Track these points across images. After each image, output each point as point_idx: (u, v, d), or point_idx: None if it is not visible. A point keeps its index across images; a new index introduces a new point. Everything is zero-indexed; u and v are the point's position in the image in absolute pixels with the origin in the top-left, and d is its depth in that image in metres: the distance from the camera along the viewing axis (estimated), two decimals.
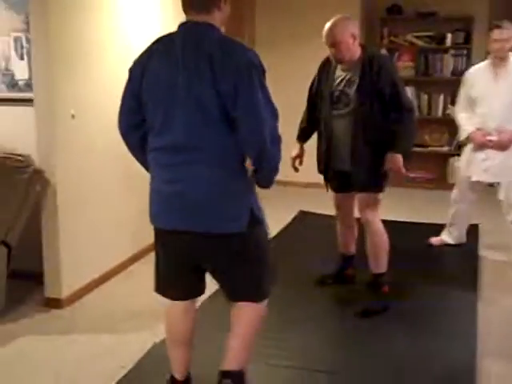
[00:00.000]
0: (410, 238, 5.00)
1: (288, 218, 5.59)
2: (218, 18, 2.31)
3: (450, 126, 6.75)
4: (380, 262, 3.64)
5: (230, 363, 2.51)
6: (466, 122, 4.47)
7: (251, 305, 2.51)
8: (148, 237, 4.63)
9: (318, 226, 5.31)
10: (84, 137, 3.90)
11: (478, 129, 4.37)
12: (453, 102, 6.67)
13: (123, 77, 2.42)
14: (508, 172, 4.36)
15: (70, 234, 3.81)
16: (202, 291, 2.63)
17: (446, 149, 6.90)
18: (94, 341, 3.37)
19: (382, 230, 3.60)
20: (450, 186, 6.67)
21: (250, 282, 2.49)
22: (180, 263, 2.48)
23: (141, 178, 4.47)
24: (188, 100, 2.21)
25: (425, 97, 6.91)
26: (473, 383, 2.86)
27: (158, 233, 2.48)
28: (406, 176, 3.40)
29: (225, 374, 2.50)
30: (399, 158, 3.38)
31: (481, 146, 4.39)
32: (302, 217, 5.72)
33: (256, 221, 2.38)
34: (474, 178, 4.49)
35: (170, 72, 2.24)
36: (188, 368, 2.66)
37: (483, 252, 4.77)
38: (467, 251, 4.74)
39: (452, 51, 6.80)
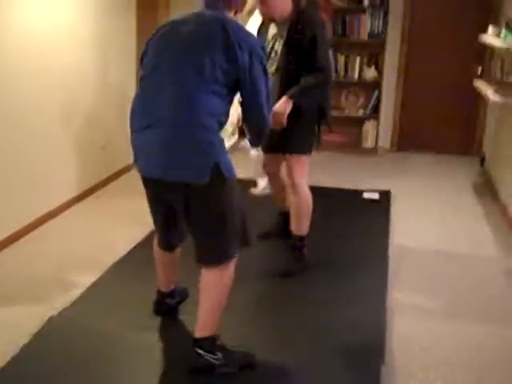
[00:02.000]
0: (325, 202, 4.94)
1: None
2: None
3: (366, 88, 6.77)
4: (301, 225, 3.62)
5: (201, 330, 2.60)
6: None
7: (211, 270, 2.55)
8: (53, 199, 4.65)
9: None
10: None
11: None
12: (369, 64, 6.72)
13: None
14: None
15: None
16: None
17: (361, 112, 6.86)
18: None
19: (306, 193, 3.56)
20: (365, 151, 6.80)
21: (209, 240, 2.52)
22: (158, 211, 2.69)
23: (41, 135, 4.29)
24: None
25: (341, 58, 6.81)
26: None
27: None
28: (281, 123, 3.30)
29: (195, 342, 2.61)
30: (287, 101, 3.29)
31: None
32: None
33: (221, 177, 2.40)
34: None
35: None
36: (172, 283, 3.00)
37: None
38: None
39: (369, 11, 6.69)
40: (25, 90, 3.99)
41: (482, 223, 4.69)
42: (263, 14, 3.41)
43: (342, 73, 6.82)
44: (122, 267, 3.60)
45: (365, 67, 6.76)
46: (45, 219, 4.32)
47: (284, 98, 3.29)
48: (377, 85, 6.75)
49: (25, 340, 2.80)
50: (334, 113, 6.72)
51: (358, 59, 6.77)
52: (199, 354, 2.60)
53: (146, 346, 2.81)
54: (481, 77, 5.93)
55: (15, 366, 2.62)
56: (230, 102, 2.53)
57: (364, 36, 6.70)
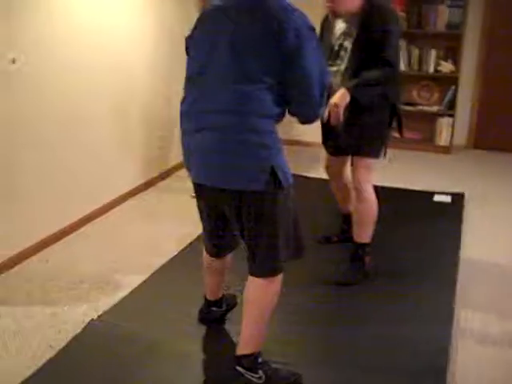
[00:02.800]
0: (393, 204, 4.64)
1: None
2: None
3: (441, 83, 6.38)
4: (364, 232, 3.37)
5: (242, 347, 2.43)
6: None
7: (260, 281, 2.38)
8: (102, 197, 4.57)
9: (313, 190, 4.82)
10: (30, 84, 3.46)
11: None
12: (446, 58, 6.31)
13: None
14: None
15: (5, 194, 3.40)
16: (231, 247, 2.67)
17: (435, 108, 6.47)
18: (26, 314, 3.00)
19: (371, 198, 3.29)
20: (438, 149, 6.41)
21: (258, 250, 2.34)
22: (209, 217, 2.52)
23: (93, 131, 4.39)
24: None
25: (416, 51, 6.43)
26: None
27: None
28: (337, 118, 3.01)
29: (237, 360, 2.44)
30: (344, 93, 3.00)
31: None
32: (296, 180, 5.25)
33: (276, 183, 2.22)
34: None
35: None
36: (220, 291, 2.84)
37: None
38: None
39: (447, 2, 6.28)
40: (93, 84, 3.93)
41: None
42: (329, 8, 3.10)
43: (415, 66, 6.44)
44: (170, 270, 3.46)
45: (441, 61, 6.35)
46: (93, 216, 4.24)
47: (341, 90, 3.01)
48: (453, 79, 6.32)
49: (63, 342, 2.69)
50: (406, 108, 6.45)
51: (433, 52, 6.37)
52: (239, 372, 2.41)
53: (186, 356, 2.66)
54: None
55: (49, 369, 2.51)
56: (284, 100, 2.26)
57: (441, 28, 6.28)
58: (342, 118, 3.01)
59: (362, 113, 3.12)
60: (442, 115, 6.43)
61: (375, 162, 3.26)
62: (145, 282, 3.27)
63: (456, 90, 6.34)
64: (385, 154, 3.30)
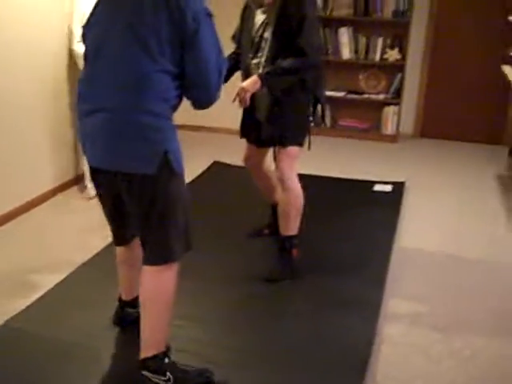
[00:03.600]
0: (330, 194, 4.58)
1: (199, 168, 5.04)
2: None
3: (388, 71, 6.32)
4: (290, 224, 3.26)
5: (144, 349, 2.31)
6: None
7: (151, 269, 2.27)
8: (26, 193, 4.35)
9: (234, 178, 4.76)
10: None
11: None
12: (392, 46, 6.24)
13: None
14: None
15: None
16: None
17: (382, 97, 6.41)
18: None
19: (296, 188, 3.19)
20: (384, 138, 6.36)
21: (150, 236, 2.26)
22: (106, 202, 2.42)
23: (10, 121, 4.03)
24: None
25: (363, 39, 6.35)
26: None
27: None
28: (244, 101, 2.99)
29: (142, 364, 2.31)
30: (255, 79, 2.95)
31: None
32: (218, 168, 5.17)
33: (169, 168, 2.16)
34: None
35: None
36: (134, 290, 2.60)
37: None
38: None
39: None
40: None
41: (504, 224, 4.22)
42: None
43: (362, 54, 6.36)
44: (90, 268, 3.30)
45: (387, 49, 6.28)
46: (13, 214, 4.02)
47: (253, 77, 2.95)
48: (400, 67, 6.27)
49: None
50: (353, 96, 6.39)
51: (380, 40, 6.29)
52: (146, 377, 2.29)
53: (95, 362, 2.52)
54: (510, 62, 5.43)
55: None
56: (182, 84, 2.21)
57: (387, 15, 6.21)
58: (248, 102, 2.98)
59: (282, 102, 3.04)
60: (388, 104, 6.38)
61: (298, 151, 3.17)
62: (62, 281, 3.12)
63: (403, 78, 6.29)
64: (309, 144, 3.22)
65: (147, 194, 2.17)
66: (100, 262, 3.35)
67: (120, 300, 2.74)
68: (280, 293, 3.13)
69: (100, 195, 2.43)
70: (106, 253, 3.40)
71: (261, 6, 3.07)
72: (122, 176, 2.17)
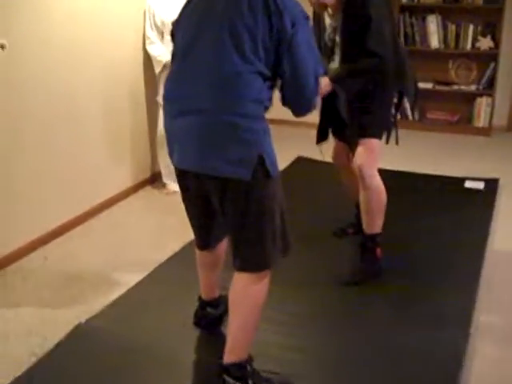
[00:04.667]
0: (417, 191, 4.38)
1: (282, 163, 4.92)
2: None
3: (480, 61, 5.99)
4: (374, 222, 3.12)
5: (228, 355, 2.23)
6: None
7: (245, 276, 2.19)
8: (103, 191, 4.34)
9: (318, 174, 4.62)
10: (18, 72, 3.31)
11: None
12: (484, 34, 5.91)
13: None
14: None
15: (4, 187, 3.29)
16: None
17: (473, 88, 6.09)
18: (16, 316, 2.89)
19: (378, 186, 3.04)
20: (476, 131, 6.04)
21: (244, 243, 2.17)
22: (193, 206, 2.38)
23: (89, 120, 4.07)
24: None
25: (452, 27, 6.05)
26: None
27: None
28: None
29: (224, 369, 2.24)
30: (326, 81, 2.84)
31: None
32: (301, 163, 5.06)
33: (265, 172, 2.07)
34: None
35: None
36: (215, 291, 2.64)
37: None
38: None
39: None
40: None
41: None
42: (310, 2, 2.92)
43: (452, 43, 6.07)
44: (169, 268, 3.27)
45: (479, 37, 5.96)
46: (94, 212, 4.07)
47: (325, 79, 2.83)
48: (493, 56, 5.94)
49: (46, 349, 2.56)
50: (442, 87, 6.11)
51: (471, 27, 5.98)
52: (227, 382, 2.23)
53: (176, 363, 2.48)
54: None
55: (27, 379, 2.37)
56: (274, 86, 2.15)
57: (479, 1, 5.89)
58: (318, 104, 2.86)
59: (361, 99, 2.95)
60: (480, 95, 6.06)
61: (378, 145, 3.01)
62: (141, 281, 3.11)
63: (496, 68, 5.95)
64: (396, 139, 3.12)
65: (241, 199, 2.09)
66: (178, 261, 3.31)
67: (200, 300, 2.70)
68: (362, 298, 2.98)
69: (186, 198, 2.37)
70: (184, 252, 3.38)
71: (321, 10, 2.98)
72: (214, 180, 2.10)
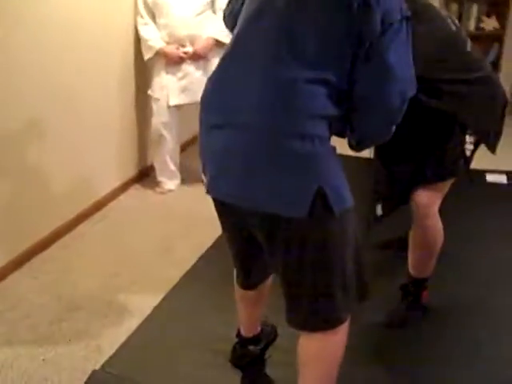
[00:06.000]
0: None
1: None
2: None
3: (484, 42, 5.63)
4: (426, 265, 2.56)
5: None
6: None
7: (312, 337, 1.76)
8: (91, 191, 3.66)
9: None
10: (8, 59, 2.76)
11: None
12: (489, 14, 5.57)
13: None
14: None
15: None
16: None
17: None
18: (7, 358, 2.35)
19: (436, 227, 2.45)
20: None
21: (305, 298, 1.70)
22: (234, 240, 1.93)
23: (91, 113, 3.52)
24: None
25: (454, 6, 5.67)
26: None
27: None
28: None
29: None
30: None
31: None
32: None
33: (327, 209, 1.56)
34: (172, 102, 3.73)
35: None
36: (258, 326, 2.25)
37: None
38: None
39: None
40: None
41: None
42: None
43: None
44: (187, 289, 2.79)
45: (483, 17, 5.60)
46: (83, 217, 3.54)
47: None
48: (498, 37, 5.60)
49: None
50: None
51: (475, 7, 5.62)
52: None
53: None
54: None
55: None
56: (344, 100, 1.60)
57: None
58: None
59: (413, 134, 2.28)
60: None
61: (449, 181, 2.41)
62: (157, 307, 2.62)
63: (501, 50, 5.62)
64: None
65: (296, 243, 1.62)
66: (197, 279, 2.86)
67: (239, 336, 2.27)
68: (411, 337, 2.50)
69: (225, 229, 1.91)
70: (200, 267, 2.93)
71: None
72: (260, 216, 1.63)
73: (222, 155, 1.63)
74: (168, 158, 3.91)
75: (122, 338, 2.41)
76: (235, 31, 1.68)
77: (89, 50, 3.36)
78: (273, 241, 1.66)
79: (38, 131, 3.04)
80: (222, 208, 1.77)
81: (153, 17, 3.65)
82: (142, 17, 3.66)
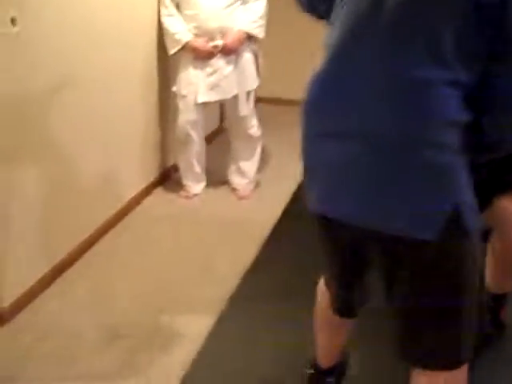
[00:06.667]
0: None
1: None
2: None
3: None
4: (506, 280, 2.37)
5: None
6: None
7: (429, 377, 1.51)
8: (115, 197, 3.35)
9: None
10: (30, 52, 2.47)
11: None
12: None
13: None
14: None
15: None
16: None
17: None
18: None
19: None
20: None
21: (426, 329, 1.47)
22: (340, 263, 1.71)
23: (107, 116, 3.16)
24: None
25: None
26: None
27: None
28: None
29: None
30: None
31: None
32: None
33: (461, 229, 1.34)
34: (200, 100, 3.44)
35: None
36: (338, 355, 2.00)
37: None
38: None
39: None
40: None
41: None
42: None
43: None
44: (237, 311, 2.52)
45: None
46: (108, 226, 3.24)
47: None
48: None
49: None
50: None
51: None
52: None
53: None
54: None
55: None
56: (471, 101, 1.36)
57: None
58: None
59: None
60: None
61: None
62: (212, 333, 2.34)
63: None
64: None
65: (421, 268, 1.39)
66: (247, 299, 2.57)
67: (316, 368, 2.01)
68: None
69: (329, 252, 1.68)
70: (249, 285, 2.65)
71: None
72: (384, 239, 1.39)
73: (337, 169, 1.38)
74: (194, 161, 3.64)
75: (176, 371, 2.14)
76: (340, 23, 1.42)
77: (110, 45, 3.07)
78: (397, 267, 1.42)
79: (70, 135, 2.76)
80: (331, 226, 1.52)
81: (176, 7, 3.37)
82: (166, 7, 3.37)
